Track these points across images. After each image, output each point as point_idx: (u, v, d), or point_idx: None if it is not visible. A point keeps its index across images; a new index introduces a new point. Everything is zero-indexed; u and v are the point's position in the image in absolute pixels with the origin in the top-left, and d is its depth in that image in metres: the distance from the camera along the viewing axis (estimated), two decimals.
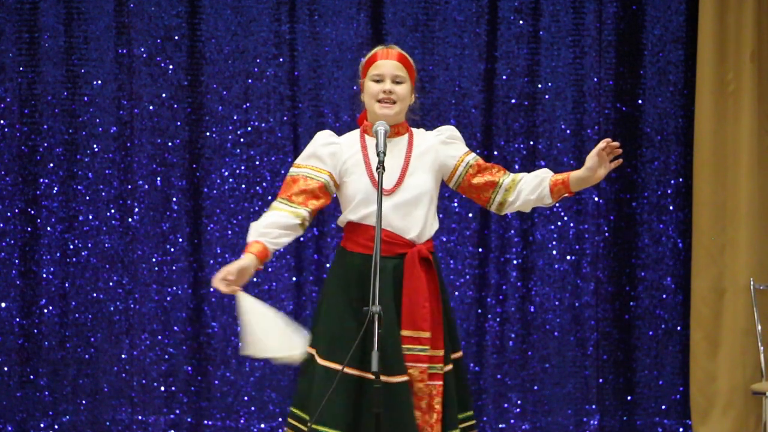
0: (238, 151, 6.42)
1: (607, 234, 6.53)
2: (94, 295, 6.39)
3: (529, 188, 4.19)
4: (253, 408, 6.44)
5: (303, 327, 4.08)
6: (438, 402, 4.08)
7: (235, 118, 6.42)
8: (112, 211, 6.40)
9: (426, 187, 4.14)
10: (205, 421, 6.43)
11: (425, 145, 4.20)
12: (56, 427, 6.38)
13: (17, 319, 6.36)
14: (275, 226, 4.10)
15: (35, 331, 6.37)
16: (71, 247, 6.37)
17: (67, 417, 6.39)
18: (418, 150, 4.18)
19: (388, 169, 4.04)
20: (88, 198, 6.37)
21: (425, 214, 4.14)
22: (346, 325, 4.06)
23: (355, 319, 4.04)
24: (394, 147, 4.14)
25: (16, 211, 6.35)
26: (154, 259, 6.42)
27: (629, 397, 6.55)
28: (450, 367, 4.15)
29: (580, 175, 4.13)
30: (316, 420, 4.00)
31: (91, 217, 6.38)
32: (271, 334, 4.04)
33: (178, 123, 6.41)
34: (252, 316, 4.04)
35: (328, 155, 4.18)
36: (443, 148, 4.21)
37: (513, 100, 6.48)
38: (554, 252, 6.51)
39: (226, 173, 6.42)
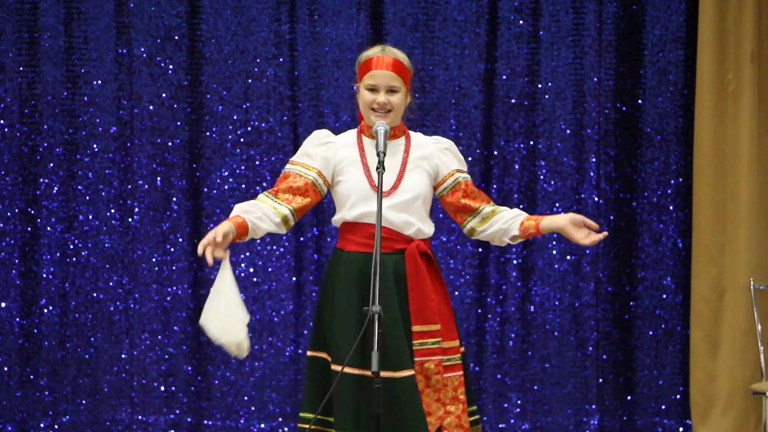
0: (238, 151, 6.42)
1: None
2: (94, 295, 6.39)
3: (502, 220, 4.24)
4: (253, 408, 6.44)
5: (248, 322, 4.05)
6: (462, 393, 4.15)
7: (235, 118, 6.42)
8: (112, 211, 6.40)
9: (421, 189, 4.18)
10: (205, 421, 6.43)
11: (423, 149, 4.24)
12: (56, 427, 6.38)
13: (17, 319, 6.36)
14: (259, 209, 4.08)
15: (35, 331, 6.36)
16: (71, 247, 6.37)
17: (67, 417, 6.38)
18: (415, 153, 4.21)
19: (387, 171, 4.07)
20: (88, 198, 6.37)
21: (420, 215, 4.18)
22: (355, 327, 4.04)
23: (359, 320, 4.04)
24: (392, 148, 4.17)
25: (16, 211, 6.35)
26: (154, 259, 6.42)
27: (629, 397, 6.55)
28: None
29: (556, 224, 4.16)
30: (340, 425, 4.04)
31: (91, 217, 6.38)
32: (231, 317, 4.00)
33: (178, 123, 6.41)
34: (223, 291, 4.02)
35: (320, 153, 4.21)
36: (440, 155, 4.25)
37: (513, 100, 6.48)
38: (554, 252, 6.51)
39: (226, 173, 6.42)
